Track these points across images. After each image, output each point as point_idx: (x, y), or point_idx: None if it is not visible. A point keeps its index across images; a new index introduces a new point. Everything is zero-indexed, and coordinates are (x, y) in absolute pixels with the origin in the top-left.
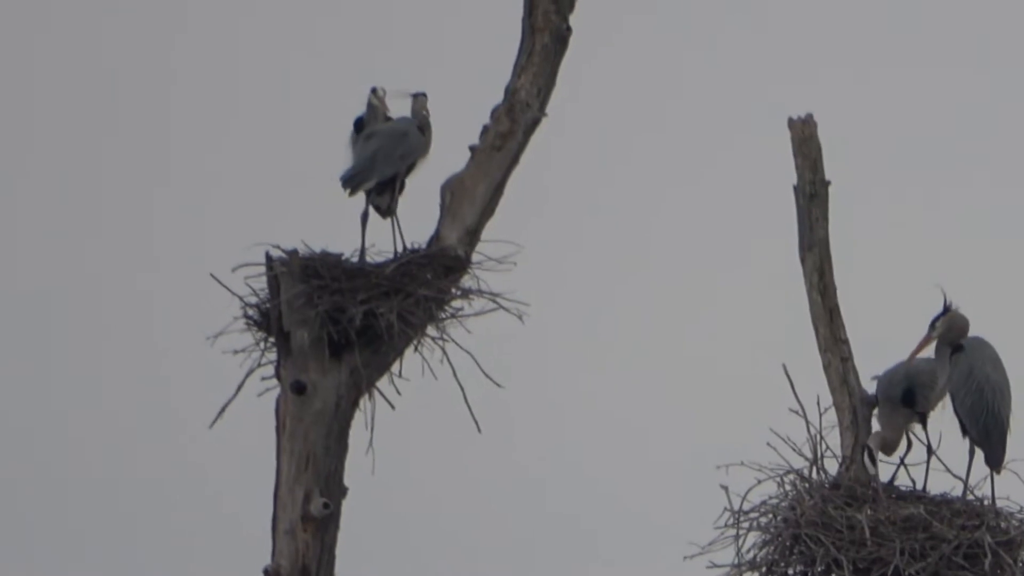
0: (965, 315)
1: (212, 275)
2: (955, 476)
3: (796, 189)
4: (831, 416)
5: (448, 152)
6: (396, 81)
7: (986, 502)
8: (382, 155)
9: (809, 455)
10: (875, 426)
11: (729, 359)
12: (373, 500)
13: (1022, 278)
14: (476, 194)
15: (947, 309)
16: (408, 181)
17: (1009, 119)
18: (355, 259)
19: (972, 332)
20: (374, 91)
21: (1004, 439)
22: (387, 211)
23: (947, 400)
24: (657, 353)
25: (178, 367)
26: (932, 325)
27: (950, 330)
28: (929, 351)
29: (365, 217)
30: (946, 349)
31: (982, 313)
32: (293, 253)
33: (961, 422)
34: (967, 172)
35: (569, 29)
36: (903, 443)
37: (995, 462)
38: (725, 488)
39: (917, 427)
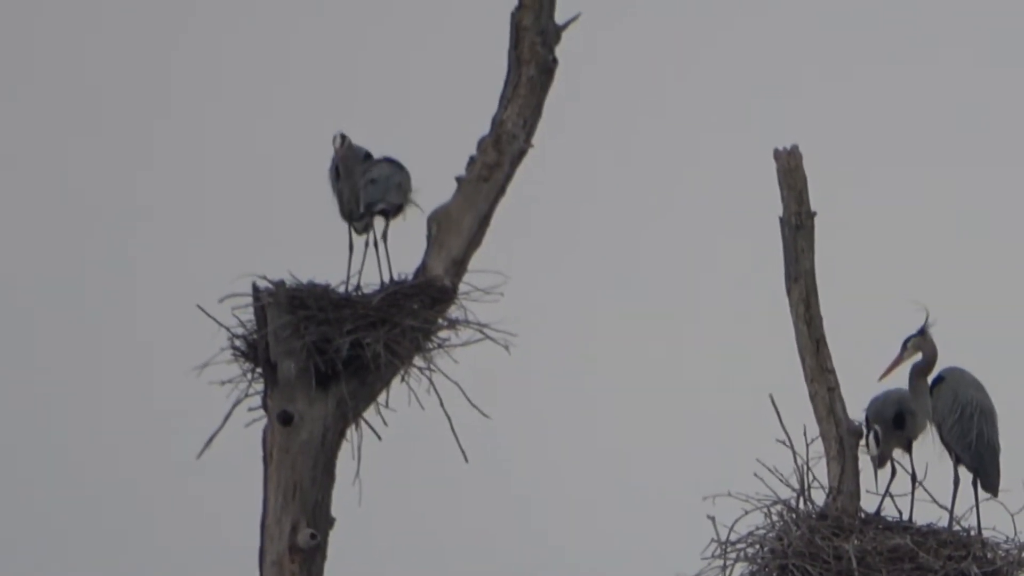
0: (935, 342)
1: (199, 306)
2: (941, 506)
3: (782, 220)
4: (818, 446)
5: (435, 183)
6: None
7: (972, 532)
8: (395, 181)
9: (796, 485)
10: (861, 456)
11: (716, 389)
12: (360, 531)
13: (1008, 306)
14: (463, 225)
15: (922, 330)
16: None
17: (996, 149)
18: (344, 288)
19: (961, 357)
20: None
21: (997, 461)
22: (363, 229)
23: (933, 430)
24: (644, 383)
25: (165, 398)
26: (904, 345)
27: (921, 351)
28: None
29: (353, 245)
30: (922, 383)
31: (968, 340)
32: (280, 284)
33: (952, 451)
34: (954, 201)
35: (555, 61)
36: (888, 470)
37: (991, 486)
38: (712, 519)
39: (903, 456)
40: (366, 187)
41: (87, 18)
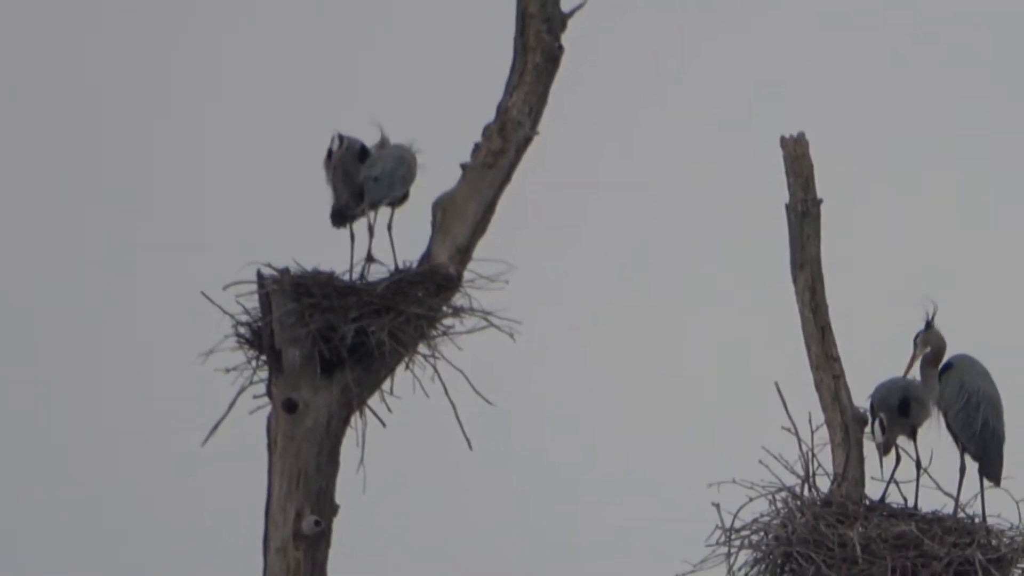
0: (941, 334)
1: (203, 293)
2: (946, 493)
3: (788, 207)
4: (823, 434)
5: (440, 170)
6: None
7: (977, 520)
8: (399, 175)
9: (801, 473)
10: (866, 443)
11: (721, 377)
12: (364, 518)
13: (1012, 294)
14: (468, 212)
15: (928, 325)
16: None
17: (1003, 136)
18: (353, 274)
19: (965, 345)
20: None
21: (1001, 450)
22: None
23: (939, 417)
24: (649, 371)
25: (170, 385)
26: (914, 342)
27: (929, 345)
28: (915, 371)
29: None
30: (932, 370)
31: (973, 328)
32: (284, 271)
33: (957, 439)
34: (959, 190)
35: (561, 48)
36: (892, 457)
37: (994, 475)
38: (717, 506)
39: (908, 443)
40: (369, 185)
41: (87, 18)
